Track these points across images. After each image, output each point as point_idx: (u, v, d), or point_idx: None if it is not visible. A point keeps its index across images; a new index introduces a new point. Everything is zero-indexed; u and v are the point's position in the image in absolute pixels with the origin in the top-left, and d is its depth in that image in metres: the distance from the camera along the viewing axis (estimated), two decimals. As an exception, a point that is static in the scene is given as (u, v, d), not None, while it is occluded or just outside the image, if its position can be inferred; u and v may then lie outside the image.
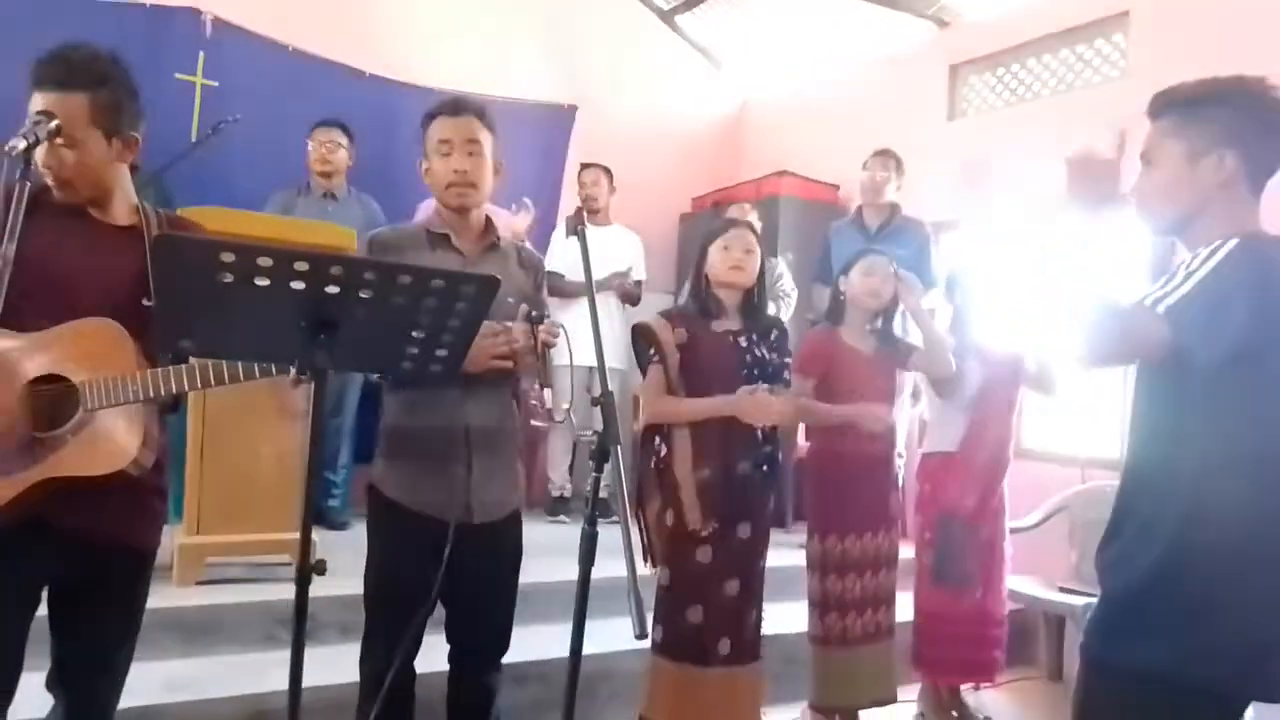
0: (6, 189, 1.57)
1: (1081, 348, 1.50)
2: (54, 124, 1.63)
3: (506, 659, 2.23)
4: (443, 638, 2.18)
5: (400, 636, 1.97)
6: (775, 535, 2.77)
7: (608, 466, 1.68)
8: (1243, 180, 1.50)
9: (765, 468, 2.58)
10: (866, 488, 3.00)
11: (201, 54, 4.30)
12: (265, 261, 1.34)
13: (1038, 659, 4.05)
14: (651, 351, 2.58)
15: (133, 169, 1.88)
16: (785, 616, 3.16)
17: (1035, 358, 3.26)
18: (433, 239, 2.13)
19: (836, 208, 5.38)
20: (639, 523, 2.61)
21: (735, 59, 6.22)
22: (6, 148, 1.57)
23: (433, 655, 2.17)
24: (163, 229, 1.81)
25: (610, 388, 1.74)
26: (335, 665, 2.25)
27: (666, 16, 5.88)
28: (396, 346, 1.55)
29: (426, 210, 2.40)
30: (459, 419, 2.06)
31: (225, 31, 4.36)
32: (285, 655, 1.41)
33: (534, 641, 2.63)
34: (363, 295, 1.41)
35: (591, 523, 1.65)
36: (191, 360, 1.69)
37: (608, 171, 4.90)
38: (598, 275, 1.87)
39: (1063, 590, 3.78)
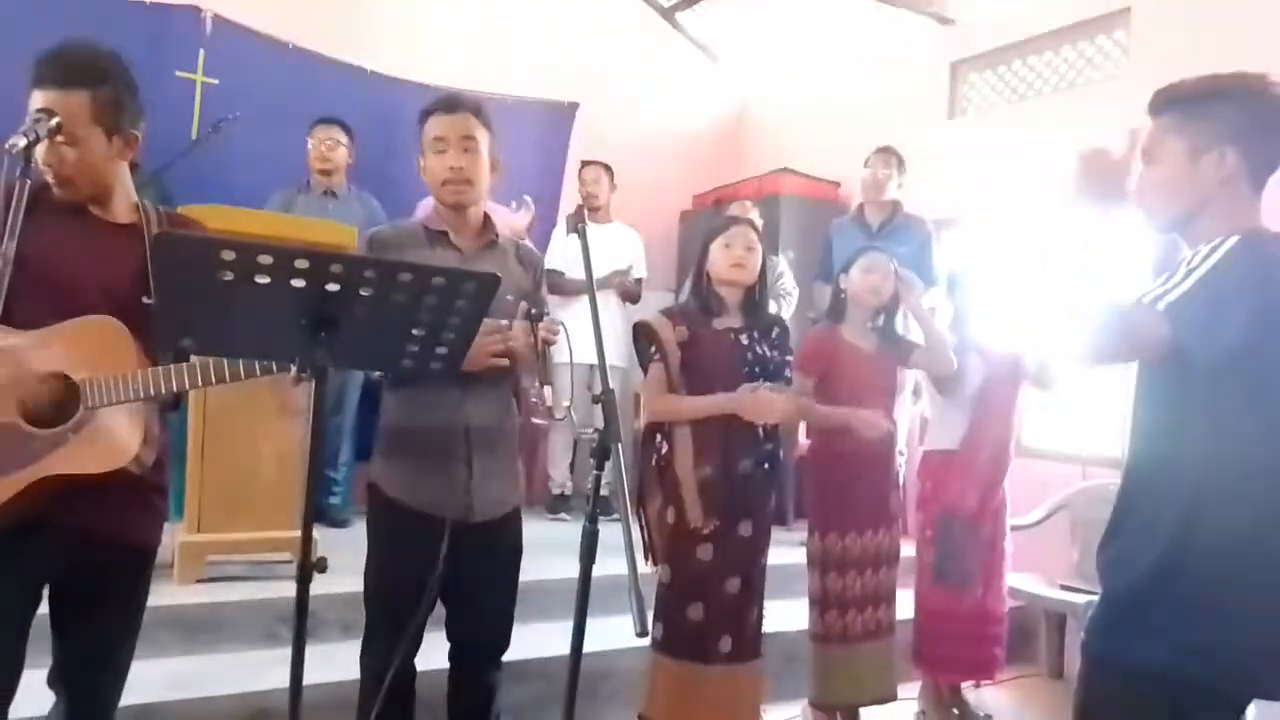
0: (7, 187, 1.57)
1: (1081, 346, 1.50)
2: (54, 122, 1.63)
3: (507, 657, 2.23)
4: (444, 635, 2.18)
5: (400, 635, 1.97)
6: (776, 533, 2.77)
7: (609, 464, 1.68)
8: (1244, 177, 1.50)
9: (767, 466, 2.58)
10: (867, 486, 3.00)
11: (202, 52, 4.30)
12: (266, 259, 1.34)
13: (1039, 657, 4.06)
14: (653, 349, 2.58)
15: (133, 167, 1.88)
16: (786, 614, 3.16)
17: (1036, 355, 3.26)
18: (431, 236, 2.13)
19: (837, 205, 5.37)
20: (640, 520, 2.61)
21: (736, 56, 6.21)
22: (7, 145, 1.57)
23: (433, 653, 2.17)
24: (163, 227, 1.81)
25: (611, 385, 1.74)
26: (336, 663, 2.26)
27: (667, 14, 5.87)
28: (397, 344, 1.55)
29: (426, 208, 2.40)
30: (459, 417, 2.06)
31: (226, 29, 4.35)
32: (286, 653, 1.41)
33: (535, 639, 2.63)
34: (363, 293, 1.41)
35: (592, 520, 1.65)
36: (192, 358, 1.69)
37: (608, 169, 4.90)
38: (598, 273, 1.86)
39: (1064, 588, 3.78)
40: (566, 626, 1.69)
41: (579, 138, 5.30)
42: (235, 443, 3.07)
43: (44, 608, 1.78)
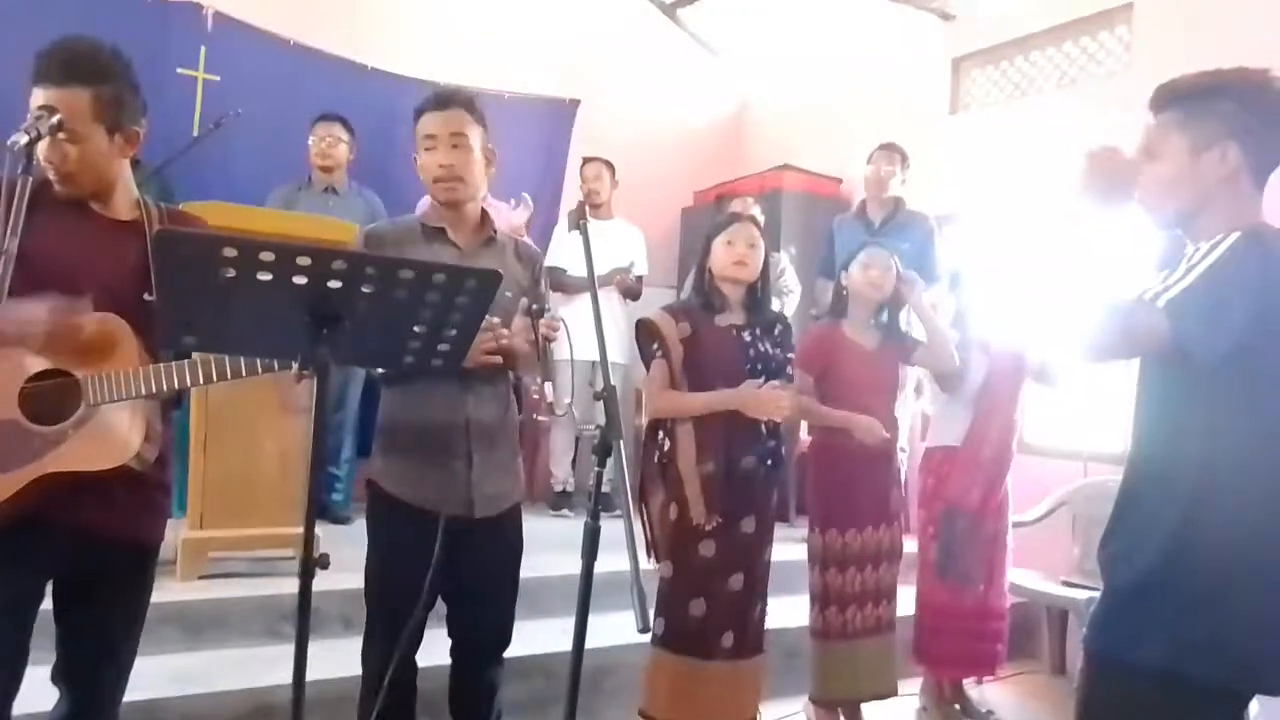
0: (9, 183, 1.57)
1: (1081, 344, 1.50)
2: (56, 119, 1.63)
3: (509, 653, 2.24)
4: (445, 632, 2.19)
5: (400, 632, 1.97)
6: (779, 529, 2.77)
7: (610, 461, 1.68)
8: (1246, 173, 1.49)
9: (769, 462, 2.58)
10: (868, 482, 3.00)
11: (203, 48, 4.30)
12: (267, 256, 1.34)
13: (1040, 653, 4.06)
14: (655, 346, 2.58)
15: (134, 163, 1.88)
16: (788, 611, 3.17)
17: (1038, 352, 3.26)
18: (428, 233, 2.12)
19: (839, 201, 5.37)
20: (642, 517, 2.61)
21: (737, 52, 6.20)
22: (9, 142, 1.57)
23: (435, 649, 2.17)
24: (164, 224, 1.81)
25: (612, 382, 1.74)
26: (338, 659, 2.26)
27: (669, 10, 5.86)
28: (399, 341, 1.55)
29: (426, 204, 2.40)
30: (458, 413, 2.06)
31: (227, 26, 4.35)
32: (288, 649, 1.42)
33: (537, 636, 2.64)
34: (365, 290, 1.41)
35: (594, 517, 1.65)
36: (194, 355, 1.69)
37: (610, 165, 4.89)
38: (600, 270, 1.85)
39: (1065, 584, 3.78)
40: (568, 623, 1.69)
41: (580, 134, 5.30)
42: (237, 440, 3.08)
43: (47, 604, 1.78)
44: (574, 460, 4.86)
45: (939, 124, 5.04)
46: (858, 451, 2.94)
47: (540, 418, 2.10)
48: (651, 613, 2.23)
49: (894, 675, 3.06)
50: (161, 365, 1.69)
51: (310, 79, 4.52)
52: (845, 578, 2.95)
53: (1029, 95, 4.72)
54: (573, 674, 1.66)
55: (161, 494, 1.87)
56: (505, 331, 1.99)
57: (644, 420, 2.67)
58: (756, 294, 2.65)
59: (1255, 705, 1.55)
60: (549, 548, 2.65)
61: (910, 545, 3.28)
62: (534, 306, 2.00)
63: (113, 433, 1.68)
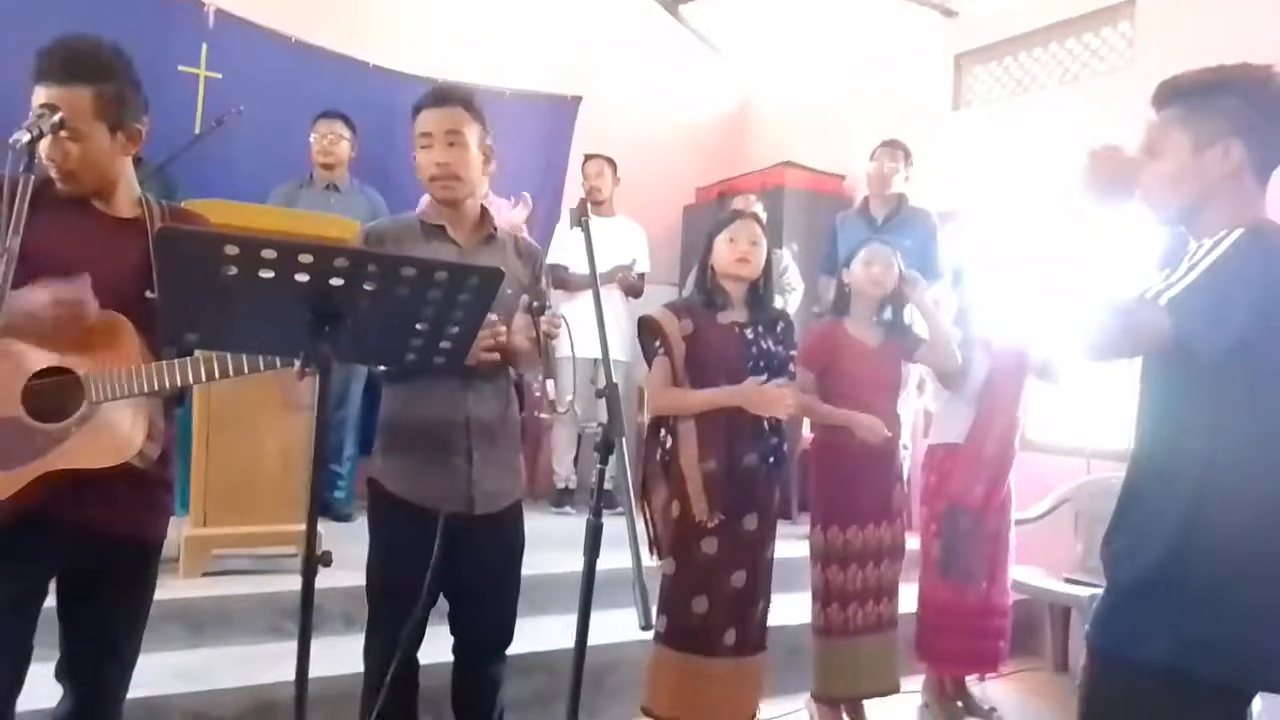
0: (10, 182, 1.57)
1: (1083, 344, 1.50)
2: (58, 117, 1.63)
3: (512, 650, 2.24)
4: (448, 629, 2.19)
5: (400, 629, 1.97)
6: (781, 527, 2.77)
7: (612, 458, 1.68)
8: (1249, 170, 1.49)
9: (771, 459, 2.58)
10: (869, 480, 3.00)
11: (205, 46, 4.29)
12: (269, 254, 1.33)
13: (1043, 650, 4.06)
14: (657, 343, 2.58)
15: (136, 161, 1.88)
16: (790, 608, 3.17)
17: (1041, 349, 3.25)
18: (427, 230, 2.12)
19: (841, 199, 5.36)
20: (644, 514, 2.61)
21: (739, 49, 6.19)
22: (10, 141, 1.57)
23: (438, 647, 2.17)
24: (166, 222, 1.82)
25: (614, 380, 1.74)
26: (340, 656, 2.26)
27: (670, 6, 5.85)
28: (401, 339, 1.55)
29: (427, 202, 2.40)
30: (459, 411, 2.06)
31: (228, 23, 4.35)
32: (291, 646, 1.42)
33: (539, 633, 2.64)
34: (367, 287, 1.41)
35: (597, 514, 1.65)
36: (196, 353, 1.69)
37: (612, 162, 4.89)
38: (602, 267, 1.85)
39: (1068, 581, 3.77)
40: (571, 620, 1.69)
41: (582, 131, 5.29)
42: (240, 437, 3.08)
43: (51, 601, 1.79)
44: (576, 458, 4.86)
45: (941, 121, 5.03)
46: (859, 449, 2.94)
47: (542, 415, 2.10)
48: (654, 610, 2.24)
49: (895, 672, 3.06)
50: (164, 363, 1.69)
51: (312, 76, 4.52)
52: (846, 575, 2.95)
53: (1031, 92, 4.71)
54: (575, 671, 1.66)
55: (164, 491, 1.87)
56: (505, 328, 1.99)
57: (646, 417, 2.67)
58: (759, 291, 2.65)
59: (1259, 703, 1.55)
60: (551, 545, 2.65)
61: (913, 542, 3.28)
62: (535, 304, 1.99)
63: (115, 430, 1.69)
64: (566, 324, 2.02)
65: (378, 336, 1.56)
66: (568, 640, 1.69)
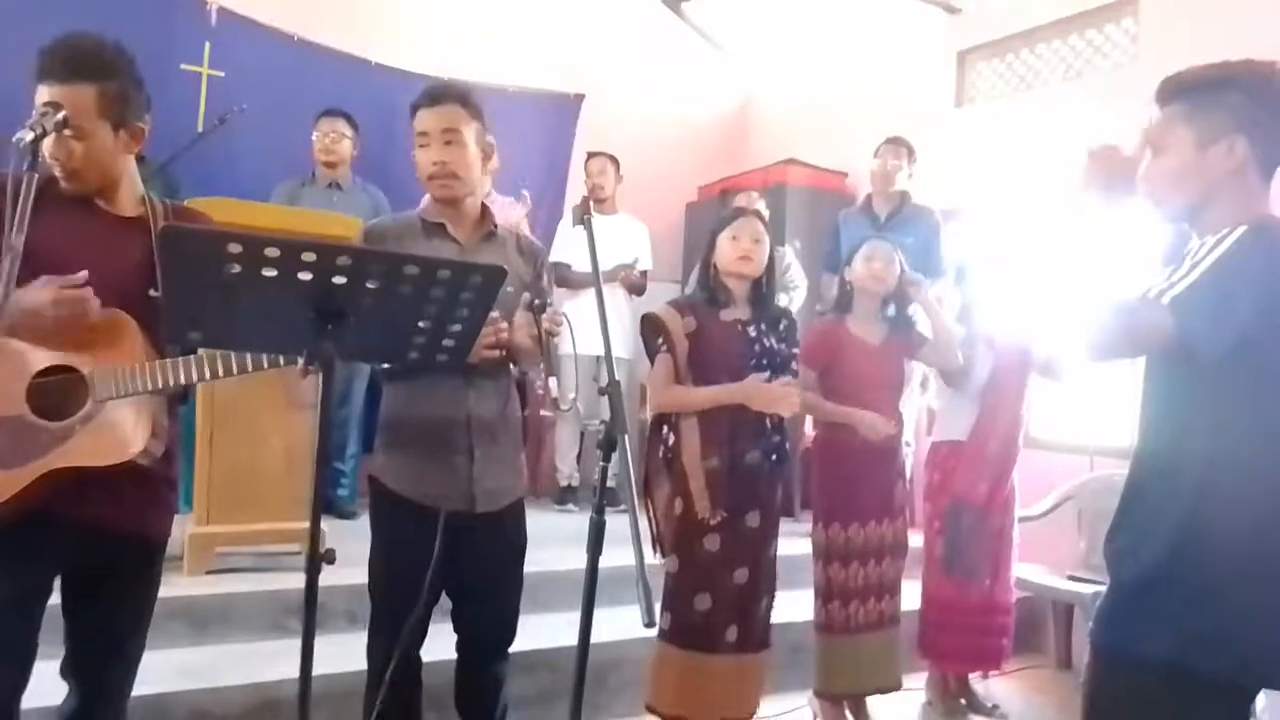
0: (14, 181, 1.57)
1: (1085, 344, 1.50)
2: (61, 115, 1.63)
3: (515, 648, 2.24)
4: (451, 626, 2.19)
5: (402, 627, 1.98)
6: (784, 524, 2.77)
7: (615, 455, 1.68)
8: (1253, 167, 1.49)
9: (774, 457, 2.58)
10: (871, 477, 3.00)
11: (207, 44, 4.30)
12: (272, 252, 1.34)
13: (1046, 647, 4.05)
14: (660, 341, 2.58)
15: (139, 160, 1.88)
16: (793, 605, 3.17)
17: (1044, 346, 3.25)
18: (428, 228, 2.12)
19: (844, 196, 5.36)
20: (647, 512, 2.61)
21: (741, 46, 6.19)
22: (14, 140, 1.57)
23: (441, 644, 2.18)
24: (169, 220, 1.82)
25: (617, 377, 1.74)
26: (344, 653, 2.27)
27: (672, 4, 5.85)
28: (403, 337, 1.56)
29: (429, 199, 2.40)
30: (460, 408, 2.06)
31: (231, 21, 4.36)
32: (295, 643, 1.42)
33: (542, 630, 2.64)
34: (370, 286, 1.41)
35: (600, 511, 1.65)
36: (200, 351, 1.69)
37: (614, 160, 4.89)
38: (604, 265, 1.84)
39: (1071, 579, 3.77)
40: (574, 617, 1.70)
41: (584, 129, 5.29)
42: (243, 435, 3.08)
43: (56, 599, 1.79)
44: (579, 455, 4.86)
45: (944, 117, 5.02)
46: (862, 446, 2.94)
47: (545, 413, 2.10)
48: (657, 607, 2.24)
49: (897, 669, 3.06)
50: (167, 361, 1.69)
51: (314, 74, 4.52)
52: (848, 572, 2.95)
53: (1034, 88, 4.70)
54: (578, 669, 1.67)
55: (168, 489, 1.87)
56: (506, 326, 1.99)
57: (648, 415, 2.67)
58: (762, 289, 2.65)
59: (1262, 699, 1.54)
60: (554, 542, 2.65)
61: (916, 540, 3.28)
62: (535, 301, 1.99)
63: (119, 428, 1.69)
64: (568, 321, 2.03)
65: (380, 335, 1.57)
66: (571, 637, 1.70)
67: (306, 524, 1.44)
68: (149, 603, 1.88)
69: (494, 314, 1.94)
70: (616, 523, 1.60)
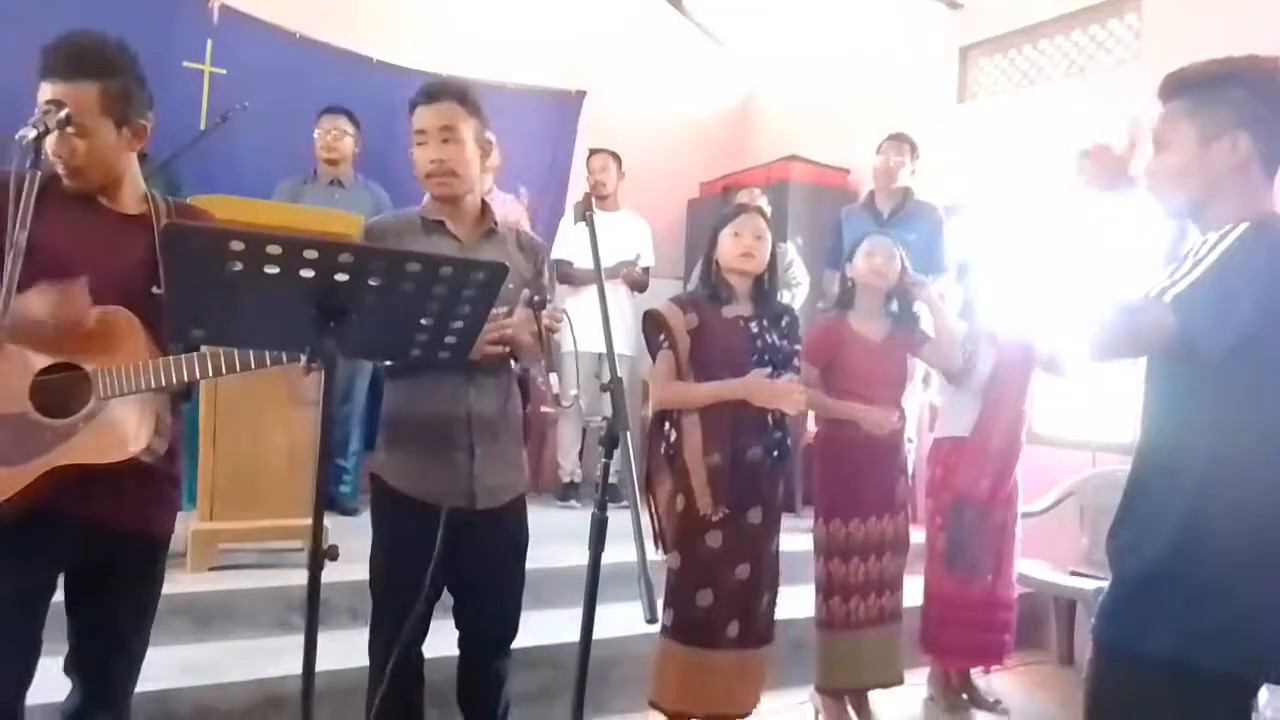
0: (17, 178, 1.58)
1: (1088, 344, 1.50)
2: (64, 113, 1.63)
3: (517, 644, 2.24)
4: (453, 623, 2.19)
5: (404, 623, 1.98)
6: (786, 520, 2.77)
7: (617, 452, 1.68)
8: (1256, 163, 1.48)
9: (775, 453, 2.58)
10: (873, 473, 3.01)
11: (209, 42, 4.30)
12: (275, 249, 1.34)
13: (1048, 643, 4.06)
14: (661, 337, 2.58)
15: (141, 157, 1.88)
16: (794, 601, 3.17)
17: (1047, 342, 3.25)
18: (428, 225, 2.12)
19: (846, 192, 5.35)
20: (649, 508, 2.62)
21: (743, 42, 6.18)
22: (17, 137, 1.58)
23: (443, 641, 2.18)
24: (171, 217, 1.82)
25: (619, 374, 1.74)
26: (347, 650, 2.27)
27: (674, 0, 5.84)
28: (406, 334, 1.56)
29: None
30: (461, 405, 2.06)
31: (232, 19, 4.35)
32: (298, 640, 1.43)
33: (544, 626, 2.65)
34: (372, 283, 1.42)
35: (602, 508, 1.65)
36: (202, 348, 1.70)
37: (616, 157, 4.89)
38: (606, 262, 1.84)
39: (1073, 574, 3.77)
40: (576, 614, 1.70)
41: (586, 126, 5.29)
42: (246, 432, 3.09)
43: (59, 596, 1.80)
44: (581, 452, 4.87)
45: (946, 113, 5.02)
46: (863, 442, 2.94)
47: (547, 410, 2.10)
48: (659, 603, 2.24)
49: (899, 665, 3.06)
50: (170, 358, 1.69)
51: (316, 72, 4.52)
52: (849, 568, 2.96)
53: (1037, 84, 4.69)
54: (580, 665, 1.67)
55: (171, 486, 1.88)
56: (509, 322, 1.99)
57: (650, 411, 2.67)
58: (764, 285, 2.65)
59: (1264, 695, 1.55)
60: (556, 539, 2.65)
61: (918, 536, 3.28)
62: (536, 298, 1.99)
63: (122, 426, 1.69)
64: (568, 318, 2.02)
65: (382, 332, 1.57)
66: (573, 634, 1.70)
67: (309, 520, 1.44)
68: (152, 600, 1.88)
69: (496, 311, 1.94)
70: (618, 519, 1.60)
